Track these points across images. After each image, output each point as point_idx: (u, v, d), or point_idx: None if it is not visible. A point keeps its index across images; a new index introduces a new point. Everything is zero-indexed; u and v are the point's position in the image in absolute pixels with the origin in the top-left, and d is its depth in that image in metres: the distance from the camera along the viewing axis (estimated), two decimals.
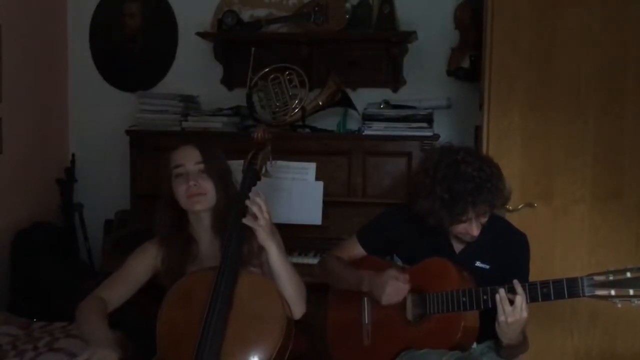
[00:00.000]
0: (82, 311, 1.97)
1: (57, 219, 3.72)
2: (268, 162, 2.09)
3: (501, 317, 1.92)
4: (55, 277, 3.33)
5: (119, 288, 2.06)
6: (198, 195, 2.02)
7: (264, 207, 1.91)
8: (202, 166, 2.03)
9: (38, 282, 3.29)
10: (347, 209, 3.10)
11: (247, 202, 1.92)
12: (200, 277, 1.95)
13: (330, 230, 3.06)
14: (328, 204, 3.09)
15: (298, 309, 1.98)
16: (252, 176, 2.01)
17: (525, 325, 1.96)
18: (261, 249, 1.98)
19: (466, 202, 1.98)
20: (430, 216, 2.05)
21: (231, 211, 1.97)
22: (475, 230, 2.05)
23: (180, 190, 2.02)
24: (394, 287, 2.08)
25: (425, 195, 2.05)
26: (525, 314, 1.91)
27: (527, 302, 1.91)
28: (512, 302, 1.91)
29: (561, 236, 2.74)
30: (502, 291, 1.93)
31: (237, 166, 2.15)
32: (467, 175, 2.00)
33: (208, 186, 2.03)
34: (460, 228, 2.06)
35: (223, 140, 3.08)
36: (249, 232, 1.96)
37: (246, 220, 1.91)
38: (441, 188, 2.01)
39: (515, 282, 1.93)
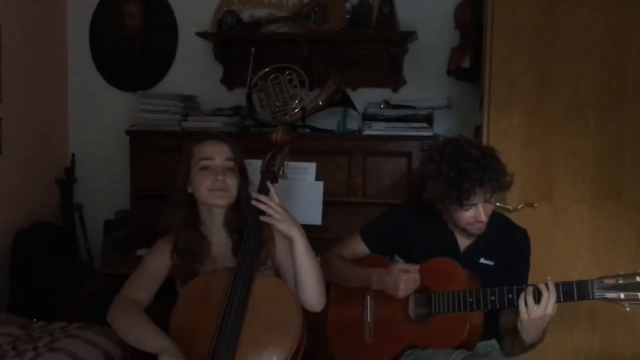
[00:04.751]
0: (123, 315, 1.93)
1: (57, 219, 3.71)
2: (285, 164, 2.09)
3: (523, 316, 1.92)
4: (55, 277, 3.32)
5: (145, 286, 2.03)
6: (222, 190, 2.02)
7: (271, 203, 1.93)
8: (231, 163, 2.04)
9: (38, 282, 3.28)
10: (347, 209, 3.10)
11: (253, 202, 1.94)
12: (216, 277, 1.96)
13: (330, 230, 3.05)
14: (328, 204, 3.09)
15: (321, 300, 2.01)
16: (271, 178, 2.02)
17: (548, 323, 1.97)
18: (272, 249, 2.02)
19: (473, 179, 2.00)
20: (439, 200, 2.07)
21: (243, 210, 2.00)
22: (483, 215, 2.06)
23: (205, 183, 2.02)
24: (407, 279, 2.08)
25: (433, 179, 2.08)
26: (549, 311, 1.92)
27: (542, 302, 1.92)
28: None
29: (561, 236, 2.74)
30: (529, 289, 1.93)
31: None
32: (472, 154, 2.06)
33: (232, 184, 2.03)
34: (468, 215, 2.07)
35: None
36: (265, 233, 2.00)
37: (263, 218, 1.94)
38: (448, 167, 2.04)
39: (542, 285, 1.93)
